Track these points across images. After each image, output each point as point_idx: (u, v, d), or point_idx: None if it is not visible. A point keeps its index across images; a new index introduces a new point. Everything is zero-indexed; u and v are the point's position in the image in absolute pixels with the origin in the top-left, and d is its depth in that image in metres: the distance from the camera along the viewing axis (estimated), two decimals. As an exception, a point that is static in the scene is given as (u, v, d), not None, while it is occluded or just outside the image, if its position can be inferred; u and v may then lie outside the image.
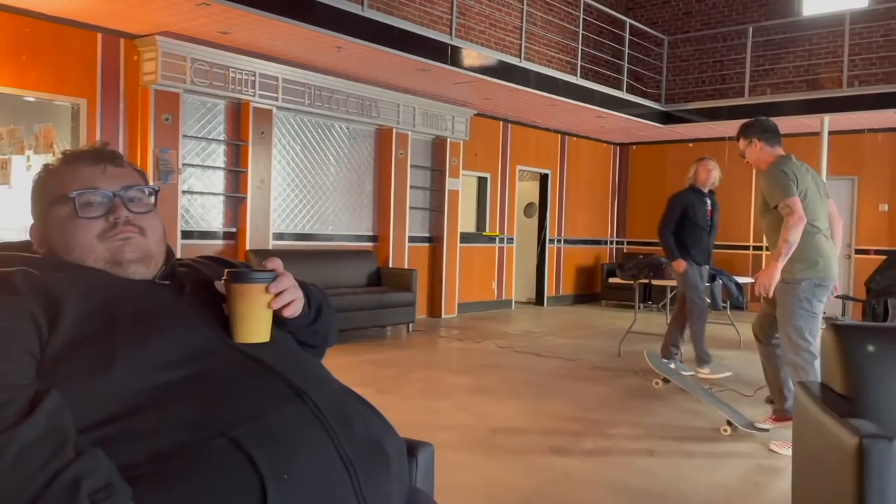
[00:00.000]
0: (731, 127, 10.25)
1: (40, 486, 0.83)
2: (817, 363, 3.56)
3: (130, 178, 1.22)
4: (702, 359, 5.70)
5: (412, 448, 1.34)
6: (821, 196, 3.89)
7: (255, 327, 1.12)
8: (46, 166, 1.23)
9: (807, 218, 3.70)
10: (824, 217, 3.88)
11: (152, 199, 1.23)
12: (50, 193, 1.18)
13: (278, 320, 1.19)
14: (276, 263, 1.18)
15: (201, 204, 6.85)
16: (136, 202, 1.20)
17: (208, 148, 6.85)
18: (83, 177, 1.17)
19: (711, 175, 5.73)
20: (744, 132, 4.06)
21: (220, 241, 6.97)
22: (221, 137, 6.93)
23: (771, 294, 3.77)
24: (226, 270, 1.15)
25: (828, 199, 3.96)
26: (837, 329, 2.19)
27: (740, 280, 6.94)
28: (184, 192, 6.57)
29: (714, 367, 5.69)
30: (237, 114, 6.98)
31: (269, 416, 1.00)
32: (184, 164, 6.54)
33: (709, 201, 5.78)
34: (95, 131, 6.13)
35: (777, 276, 3.74)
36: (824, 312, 3.94)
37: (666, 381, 5.27)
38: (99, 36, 6.15)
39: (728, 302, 7.04)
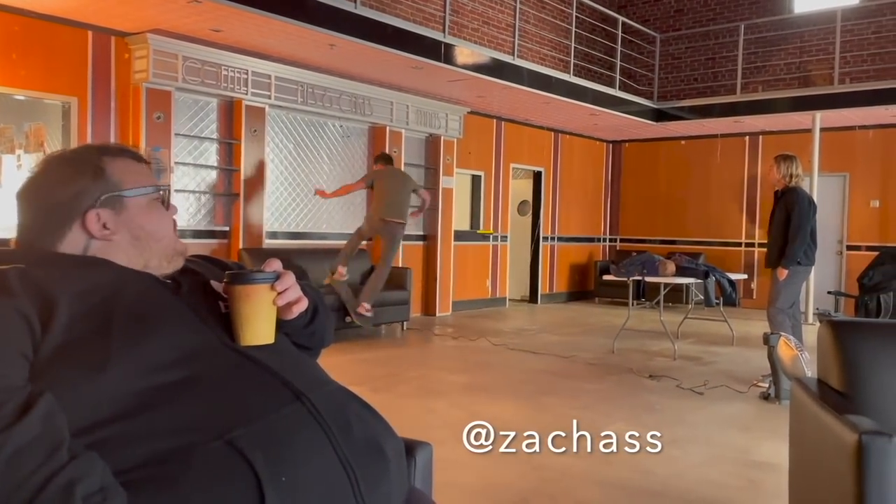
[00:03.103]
0: (723, 124, 10.31)
1: (34, 489, 0.82)
2: None
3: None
4: None
5: (410, 448, 1.33)
6: (393, 186, 6.98)
7: (261, 329, 1.10)
8: (99, 150, 1.21)
9: (378, 197, 6.92)
10: (385, 195, 6.90)
11: None
12: (120, 180, 1.16)
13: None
14: (276, 264, 1.16)
15: (194, 203, 6.81)
16: None
17: (201, 146, 6.81)
18: (148, 174, 1.22)
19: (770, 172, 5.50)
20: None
21: (214, 241, 6.94)
22: (214, 136, 6.89)
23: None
24: (227, 273, 1.13)
25: (405, 187, 7.11)
26: (834, 325, 2.18)
27: (733, 277, 6.97)
28: (176, 191, 6.52)
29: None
30: (230, 112, 6.95)
31: (268, 418, 0.99)
32: (176, 163, 6.50)
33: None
34: (86, 130, 6.09)
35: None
36: (817, 309, 4.00)
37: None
38: (89, 34, 6.10)
39: (721, 298, 7.07)
